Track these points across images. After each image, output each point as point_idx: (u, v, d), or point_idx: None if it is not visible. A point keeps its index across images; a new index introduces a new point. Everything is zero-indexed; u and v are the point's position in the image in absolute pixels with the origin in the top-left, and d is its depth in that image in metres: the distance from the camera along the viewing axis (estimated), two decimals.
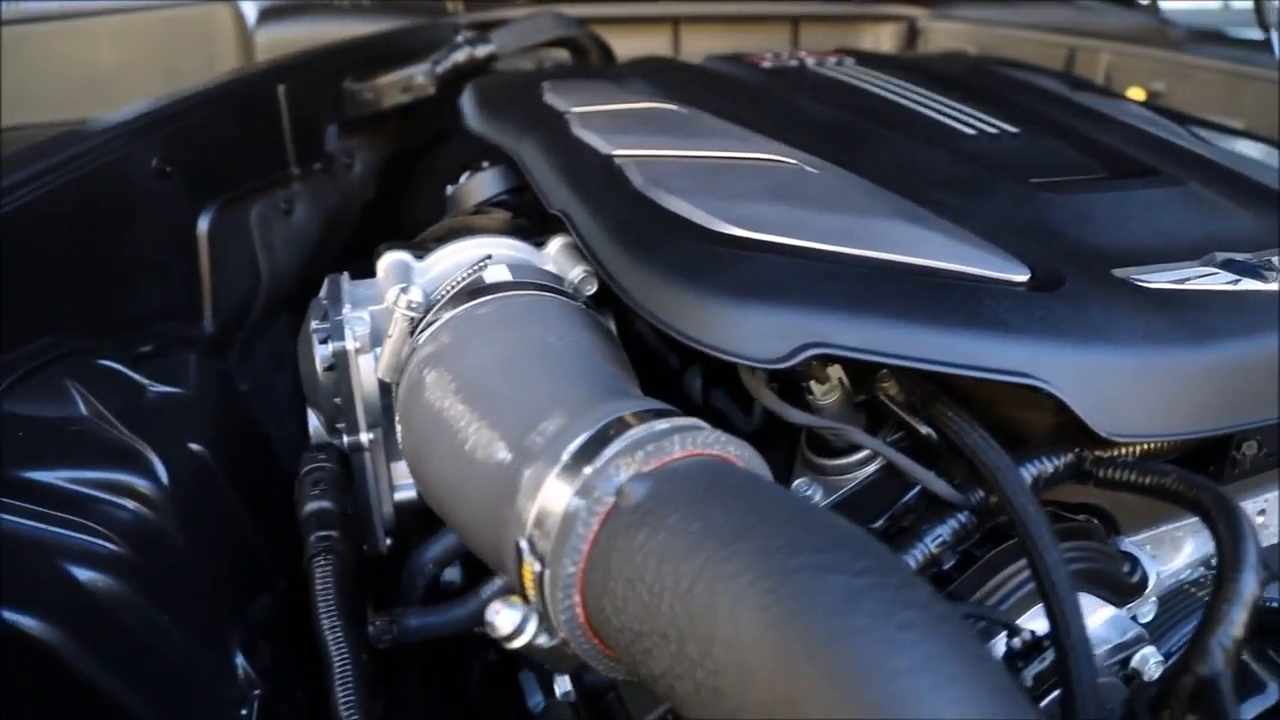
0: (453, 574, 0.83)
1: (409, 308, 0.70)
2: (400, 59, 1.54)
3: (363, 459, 0.78)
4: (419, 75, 1.50)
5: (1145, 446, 0.63)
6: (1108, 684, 0.62)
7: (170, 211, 1.09)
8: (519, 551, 0.50)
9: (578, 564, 0.47)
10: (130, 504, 0.75)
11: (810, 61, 1.36)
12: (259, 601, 0.85)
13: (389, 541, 0.81)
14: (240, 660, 0.79)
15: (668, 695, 0.43)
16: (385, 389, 0.76)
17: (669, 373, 0.93)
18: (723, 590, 0.40)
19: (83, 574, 0.70)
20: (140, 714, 0.70)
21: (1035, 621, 0.61)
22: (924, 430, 0.65)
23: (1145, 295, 0.64)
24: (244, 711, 0.77)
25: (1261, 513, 0.77)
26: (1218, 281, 0.67)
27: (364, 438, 0.77)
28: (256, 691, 0.78)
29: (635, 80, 1.22)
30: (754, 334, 0.57)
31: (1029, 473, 0.60)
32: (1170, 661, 0.65)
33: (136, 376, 0.84)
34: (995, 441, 0.58)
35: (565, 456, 0.50)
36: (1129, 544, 0.71)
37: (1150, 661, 0.64)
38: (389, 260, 0.81)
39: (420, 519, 0.80)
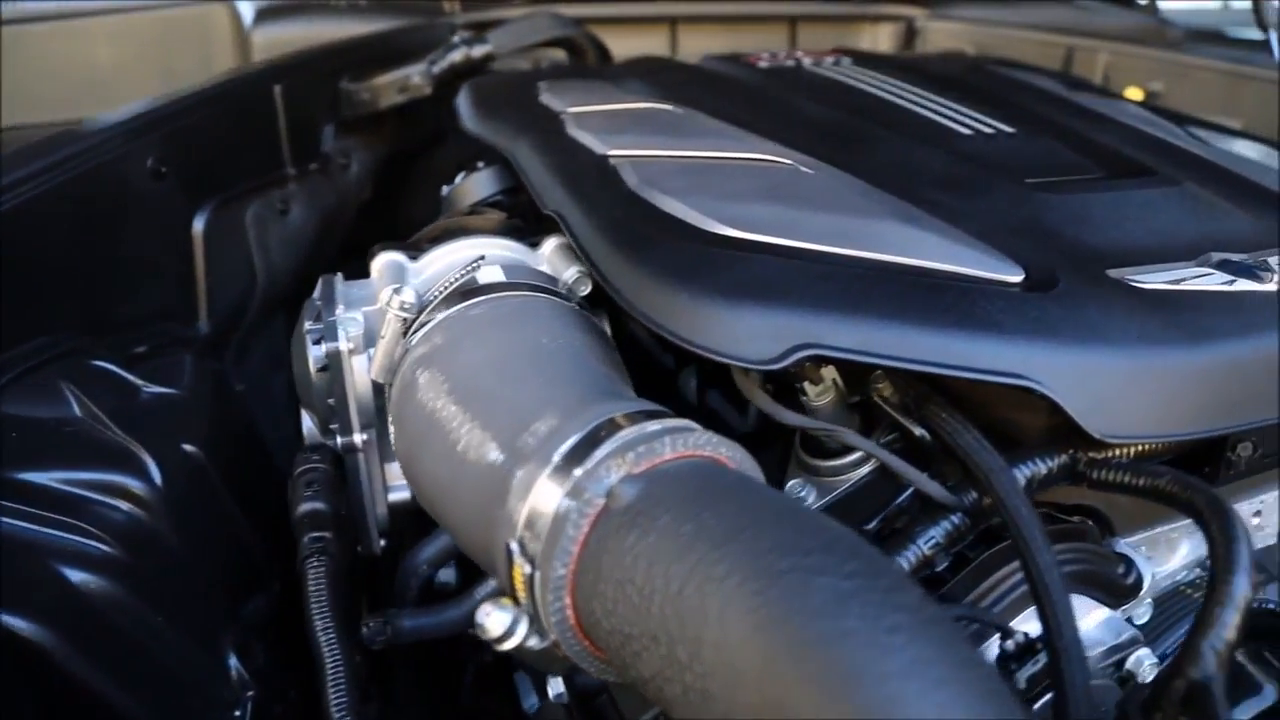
0: (447, 575, 0.83)
1: (402, 308, 0.70)
2: (397, 59, 1.53)
3: (356, 460, 0.78)
4: (415, 75, 1.50)
5: (1140, 448, 0.63)
6: (1101, 686, 0.62)
7: (166, 212, 1.09)
8: (509, 553, 0.50)
9: (568, 566, 0.47)
10: (123, 505, 0.75)
11: (807, 61, 1.36)
12: (253, 602, 0.85)
13: (383, 542, 0.81)
14: (234, 661, 0.78)
15: (657, 698, 0.43)
16: (379, 390, 0.76)
17: (665, 373, 0.92)
18: (712, 592, 0.40)
19: (75, 575, 0.70)
20: (133, 715, 0.69)
21: (1029, 624, 0.61)
22: (918, 431, 0.64)
23: (1140, 296, 0.64)
24: (237, 713, 0.77)
25: (1258, 514, 0.77)
26: (1213, 282, 0.66)
27: (357, 439, 0.77)
28: (250, 692, 0.78)
29: (631, 80, 1.22)
30: (746, 335, 0.57)
31: (1022, 474, 0.60)
32: (1165, 663, 0.65)
33: (131, 377, 0.84)
34: (989, 443, 0.58)
35: (556, 458, 0.50)
36: (1124, 545, 0.71)
37: (1145, 663, 0.64)
38: (383, 261, 0.81)
39: (414, 520, 0.80)
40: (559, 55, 1.82)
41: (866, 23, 2.35)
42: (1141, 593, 0.68)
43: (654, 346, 0.93)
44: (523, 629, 0.50)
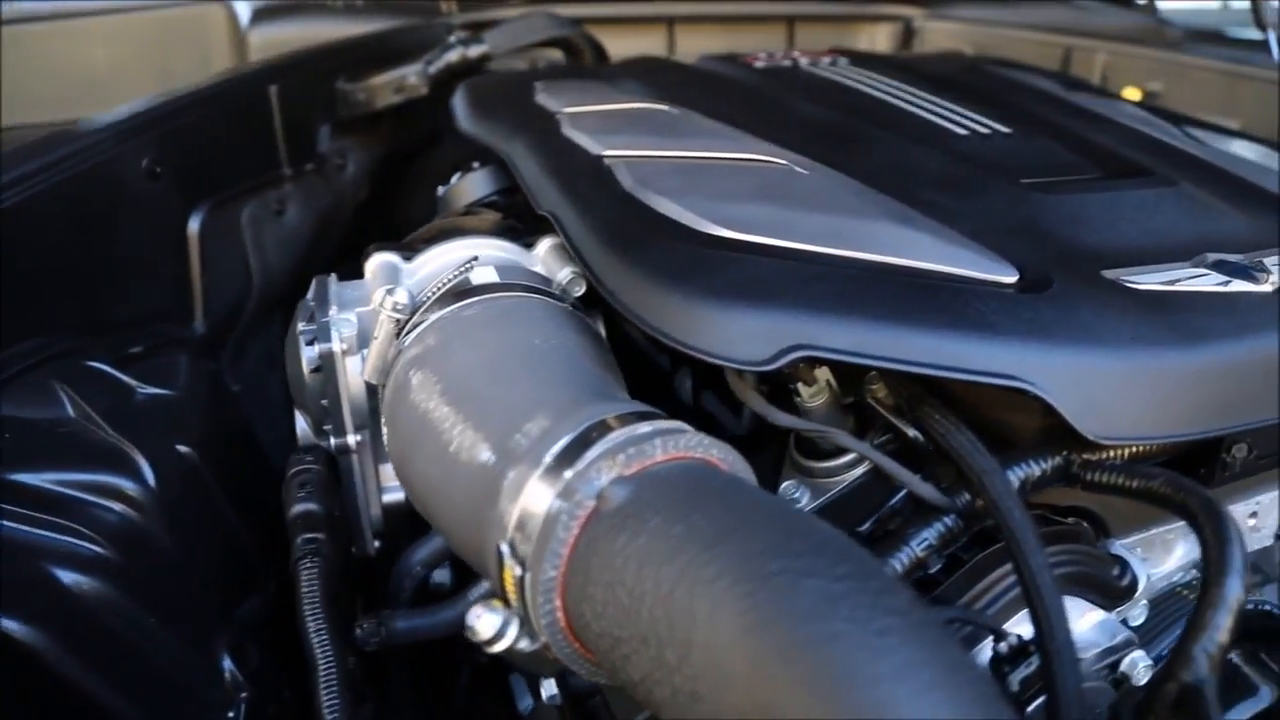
0: (442, 576, 0.83)
1: (394, 309, 0.70)
2: (393, 59, 1.53)
3: (350, 461, 0.78)
4: (412, 76, 1.50)
5: (1134, 449, 0.63)
6: (1095, 688, 0.62)
7: (161, 212, 1.08)
8: (500, 555, 0.49)
9: (558, 568, 0.46)
10: (117, 506, 0.75)
11: (804, 61, 1.36)
12: (247, 603, 0.85)
13: (377, 544, 0.81)
14: (228, 662, 0.78)
15: (647, 700, 0.43)
16: (372, 391, 0.76)
17: (660, 374, 0.92)
18: (702, 594, 0.40)
19: (68, 576, 0.69)
20: (126, 718, 0.69)
21: (1022, 626, 0.61)
22: (911, 433, 0.64)
23: (1134, 297, 0.64)
24: (231, 714, 0.77)
25: (1253, 515, 0.76)
26: (1208, 283, 0.66)
27: (351, 440, 0.77)
28: (244, 694, 0.78)
29: (628, 80, 1.22)
30: (740, 336, 0.57)
31: (1016, 476, 0.60)
32: (1160, 665, 0.65)
33: (125, 378, 0.84)
34: (982, 444, 0.58)
35: (548, 459, 0.50)
36: (1119, 547, 0.70)
37: (1139, 665, 0.63)
38: (377, 261, 0.80)
39: (408, 521, 0.79)
40: (555, 55, 1.82)
41: (865, 23, 2.34)
42: (1136, 594, 0.68)
43: (649, 348, 0.93)
44: (513, 631, 0.50)
